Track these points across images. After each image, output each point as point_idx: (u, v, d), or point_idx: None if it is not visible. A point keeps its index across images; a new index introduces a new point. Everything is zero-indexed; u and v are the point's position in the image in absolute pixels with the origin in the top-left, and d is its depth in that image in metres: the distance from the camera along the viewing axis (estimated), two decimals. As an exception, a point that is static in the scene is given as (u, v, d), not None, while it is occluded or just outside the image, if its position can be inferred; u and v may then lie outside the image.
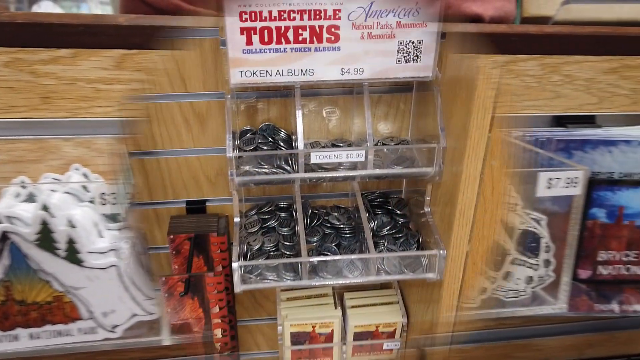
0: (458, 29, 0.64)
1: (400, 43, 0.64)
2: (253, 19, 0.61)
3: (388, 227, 0.78)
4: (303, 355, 0.88)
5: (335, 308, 0.86)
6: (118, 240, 0.71)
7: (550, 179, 0.66)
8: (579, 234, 0.72)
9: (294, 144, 0.73)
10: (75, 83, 0.64)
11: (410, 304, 0.86)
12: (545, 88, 0.69)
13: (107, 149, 0.69)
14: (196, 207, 0.81)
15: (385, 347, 0.88)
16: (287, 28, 0.62)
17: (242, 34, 0.61)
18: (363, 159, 0.67)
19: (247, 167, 0.70)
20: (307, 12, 0.61)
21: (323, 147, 0.77)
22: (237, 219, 0.75)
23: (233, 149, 0.66)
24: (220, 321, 0.80)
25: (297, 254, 0.73)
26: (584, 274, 0.75)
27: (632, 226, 0.72)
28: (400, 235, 0.78)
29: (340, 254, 0.75)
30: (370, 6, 0.61)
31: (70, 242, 0.67)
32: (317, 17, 0.61)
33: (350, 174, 0.70)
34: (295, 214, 0.78)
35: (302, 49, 0.63)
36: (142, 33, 0.63)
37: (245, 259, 0.74)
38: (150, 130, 0.74)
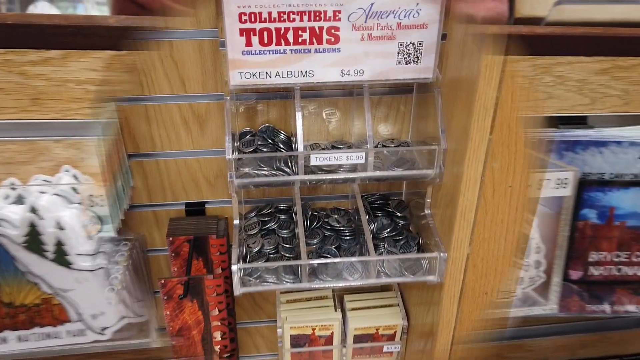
0: (459, 30, 0.64)
1: (401, 44, 0.64)
2: (252, 20, 0.60)
3: (388, 230, 0.78)
4: (303, 357, 0.88)
5: (335, 310, 0.86)
6: (109, 242, 0.71)
7: (540, 180, 0.67)
8: (569, 235, 0.72)
9: (293, 146, 0.73)
10: (66, 84, 0.63)
11: (411, 306, 0.86)
12: (537, 89, 0.69)
13: (97, 150, 0.68)
14: (195, 209, 0.80)
15: (385, 349, 0.88)
16: (286, 29, 0.61)
17: (241, 35, 0.61)
18: (363, 160, 0.67)
19: (246, 169, 0.69)
20: (306, 14, 0.60)
21: (323, 149, 0.76)
22: (236, 221, 0.75)
23: (232, 151, 0.66)
24: (219, 324, 0.80)
25: (297, 257, 0.73)
26: (575, 274, 0.75)
27: (623, 227, 0.72)
28: (400, 237, 0.77)
29: (340, 256, 0.75)
30: (371, 7, 0.61)
31: (59, 244, 0.66)
32: (317, 18, 0.61)
33: (350, 176, 0.70)
34: (295, 216, 0.78)
35: (302, 51, 0.63)
36: (132, 34, 0.63)
37: (244, 261, 0.73)
38: (149, 131, 0.73)
